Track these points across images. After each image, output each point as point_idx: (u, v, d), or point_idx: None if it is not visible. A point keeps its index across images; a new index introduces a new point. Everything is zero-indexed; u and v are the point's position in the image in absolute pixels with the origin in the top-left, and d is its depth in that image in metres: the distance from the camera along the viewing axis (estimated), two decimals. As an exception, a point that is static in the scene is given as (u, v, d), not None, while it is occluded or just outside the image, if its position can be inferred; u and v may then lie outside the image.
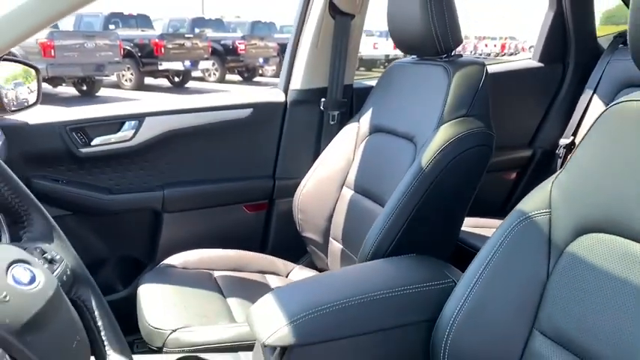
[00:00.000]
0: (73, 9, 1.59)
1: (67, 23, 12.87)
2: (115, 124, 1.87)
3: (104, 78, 11.91)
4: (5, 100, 1.83)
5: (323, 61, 1.99)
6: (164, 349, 1.37)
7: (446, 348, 1.10)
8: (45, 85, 10.84)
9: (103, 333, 0.78)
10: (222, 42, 14.46)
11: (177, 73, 13.37)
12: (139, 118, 1.88)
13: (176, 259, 1.78)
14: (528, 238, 1.06)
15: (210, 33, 14.68)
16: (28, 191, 0.84)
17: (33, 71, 2.07)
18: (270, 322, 1.13)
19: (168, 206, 1.94)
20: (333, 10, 1.93)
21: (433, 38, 1.52)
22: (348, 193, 1.79)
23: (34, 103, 1.95)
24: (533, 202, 1.08)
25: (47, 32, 10.34)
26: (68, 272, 0.81)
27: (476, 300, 1.09)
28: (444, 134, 1.44)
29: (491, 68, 2.26)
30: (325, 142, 1.95)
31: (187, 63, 12.96)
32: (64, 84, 11.61)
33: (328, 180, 1.84)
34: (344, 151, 1.84)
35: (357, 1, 1.92)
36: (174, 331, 1.38)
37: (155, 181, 1.94)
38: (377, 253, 1.41)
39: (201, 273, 1.73)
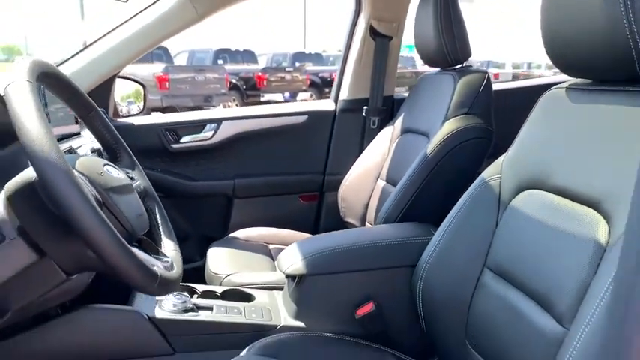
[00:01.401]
0: (172, 34, 2.11)
1: (181, 59, 14.31)
2: (199, 126, 2.37)
3: (212, 108, 13.03)
4: (119, 110, 2.41)
5: (366, 75, 2.38)
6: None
7: (420, 285, 1.41)
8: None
9: (160, 226, 1.19)
10: (320, 74, 15.25)
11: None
12: (217, 122, 2.37)
13: (241, 233, 2.21)
14: (484, 197, 1.37)
15: (309, 66, 15.54)
16: (122, 140, 1.29)
17: (142, 89, 2.65)
18: (290, 259, 1.51)
19: (237, 193, 2.40)
20: (373, 33, 2.32)
21: (444, 52, 1.85)
22: (381, 184, 2.14)
23: (139, 113, 2.52)
24: (489, 171, 1.38)
25: (163, 67, 11.60)
26: (141, 187, 1.25)
27: (444, 247, 1.40)
28: (446, 128, 1.76)
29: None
30: (367, 144, 2.32)
31: (287, 94, 13.84)
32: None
33: (366, 174, 2.20)
34: (380, 150, 2.20)
35: (394, 25, 2.31)
36: (228, 275, 1.80)
37: (228, 172, 2.40)
38: (387, 221, 1.75)
39: (259, 244, 2.15)
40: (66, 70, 2.05)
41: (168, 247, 1.12)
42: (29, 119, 0.78)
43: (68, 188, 0.76)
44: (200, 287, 1.63)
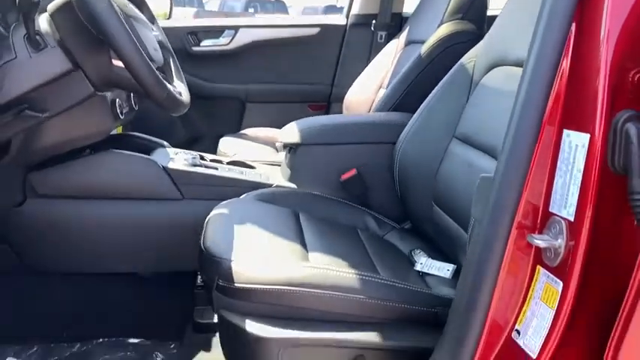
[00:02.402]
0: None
1: (212, 4, 14.37)
2: (218, 31, 2.56)
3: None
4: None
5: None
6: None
7: (398, 157, 1.61)
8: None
9: (173, 70, 1.40)
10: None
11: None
12: (235, 29, 2.55)
13: (250, 130, 2.42)
14: (459, 79, 1.54)
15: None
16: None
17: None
18: (289, 130, 1.72)
19: (250, 97, 2.60)
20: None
21: None
22: (382, 92, 2.31)
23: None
24: (467, 55, 1.55)
25: (194, 11, 11.72)
26: (159, 38, 1.44)
27: (420, 124, 1.59)
28: (440, 31, 1.92)
29: None
30: (373, 57, 2.48)
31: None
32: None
33: (369, 84, 2.37)
34: (384, 61, 2.36)
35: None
36: (234, 154, 2.02)
37: (242, 77, 2.60)
38: (383, 107, 1.92)
39: (266, 139, 2.35)
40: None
41: (179, 86, 1.33)
42: None
43: (102, 7, 0.96)
44: (209, 156, 1.85)
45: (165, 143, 1.86)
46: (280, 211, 1.48)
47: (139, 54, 1.01)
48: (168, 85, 1.10)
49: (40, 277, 1.60)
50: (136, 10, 1.22)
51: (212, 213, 1.39)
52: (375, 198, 1.69)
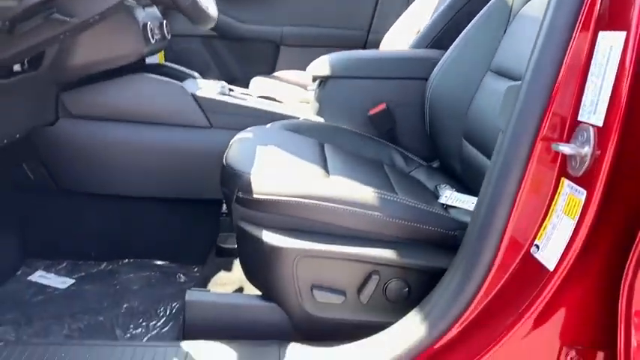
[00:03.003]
0: None
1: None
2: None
3: None
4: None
5: None
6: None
7: (429, 92, 1.57)
8: None
9: None
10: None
11: None
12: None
13: (282, 73, 2.40)
14: (497, 11, 1.48)
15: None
16: None
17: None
18: (319, 63, 1.70)
19: (284, 40, 2.58)
20: None
21: None
22: None
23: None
24: None
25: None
26: None
27: (455, 57, 1.54)
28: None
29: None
30: (412, 1, 2.40)
31: None
32: None
33: (406, 28, 2.30)
34: (425, 5, 2.29)
35: None
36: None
37: (277, 19, 2.57)
38: (419, 45, 1.87)
39: (298, 80, 2.32)
40: None
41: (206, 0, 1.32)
42: None
43: None
44: (238, 89, 1.84)
45: (196, 74, 1.86)
46: (305, 140, 1.47)
47: None
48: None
49: (71, 196, 1.64)
50: None
51: (236, 136, 1.39)
52: (403, 134, 1.65)
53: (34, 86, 1.44)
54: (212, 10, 1.28)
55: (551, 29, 0.85)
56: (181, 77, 1.79)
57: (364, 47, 2.62)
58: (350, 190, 1.12)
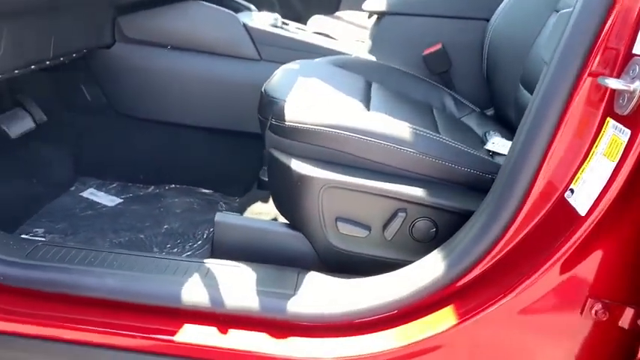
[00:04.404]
0: None
1: None
2: None
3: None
4: None
5: None
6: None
7: (489, 35, 1.47)
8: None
9: None
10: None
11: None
12: None
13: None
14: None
15: None
16: None
17: None
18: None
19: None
20: None
21: None
22: None
23: None
24: None
25: None
26: None
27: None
28: None
29: None
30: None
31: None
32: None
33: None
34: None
35: None
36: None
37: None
38: None
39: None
40: None
41: None
42: None
43: None
44: (292, 23, 1.81)
45: (252, 7, 1.84)
46: (352, 76, 1.42)
47: None
48: None
49: (125, 120, 1.69)
50: None
51: (282, 67, 1.37)
52: (457, 78, 1.57)
53: (92, 6, 1.47)
54: None
55: None
56: (237, 8, 1.77)
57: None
58: (385, 125, 1.08)
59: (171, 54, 1.61)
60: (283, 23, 1.74)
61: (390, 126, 1.08)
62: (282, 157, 1.08)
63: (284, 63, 1.53)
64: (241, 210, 1.50)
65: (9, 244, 1.02)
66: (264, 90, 1.21)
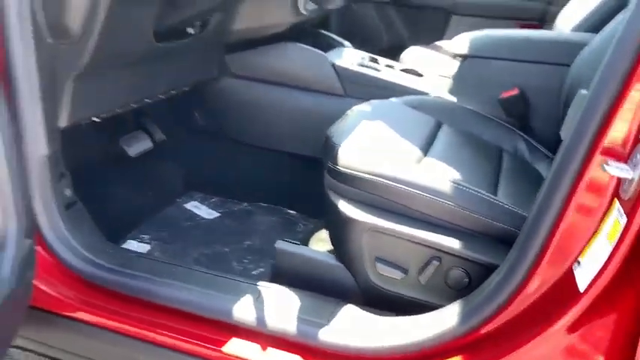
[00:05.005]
0: None
1: None
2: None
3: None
4: None
5: None
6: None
7: (569, 80, 1.46)
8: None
9: None
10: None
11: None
12: None
13: (444, 42, 2.38)
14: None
15: None
16: None
17: None
18: (459, 41, 1.69)
19: (456, 9, 2.54)
20: None
21: None
22: None
23: None
24: None
25: None
26: None
27: (600, 45, 1.40)
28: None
29: None
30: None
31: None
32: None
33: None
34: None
35: None
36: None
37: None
38: (580, 27, 1.72)
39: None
40: None
41: None
42: None
43: None
44: (382, 60, 1.92)
45: (346, 43, 1.98)
46: (421, 118, 1.50)
47: None
48: None
49: (229, 142, 1.92)
50: None
51: (354, 107, 1.49)
52: (534, 123, 1.58)
53: (202, 46, 1.71)
54: None
55: (622, 40, 0.78)
56: (332, 44, 1.93)
57: (542, 20, 2.45)
58: (430, 177, 1.15)
59: (268, 88, 1.81)
60: (373, 60, 1.85)
61: (434, 178, 1.15)
62: (334, 197, 1.21)
63: (367, 99, 1.66)
64: (314, 231, 1.65)
65: (111, 253, 1.27)
66: (328, 132, 1.34)
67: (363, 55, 1.80)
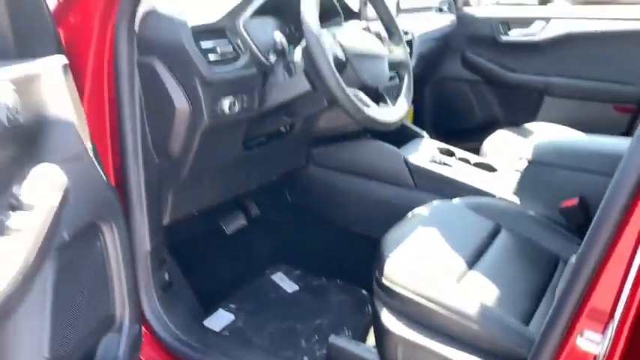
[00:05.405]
0: None
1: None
2: (528, 22, 2.57)
3: None
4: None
5: None
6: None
7: None
8: None
9: (402, 88, 1.63)
10: None
11: None
12: (547, 20, 2.51)
13: (534, 125, 2.42)
14: None
15: None
16: (395, 21, 1.70)
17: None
18: (527, 145, 1.77)
19: (549, 90, 2.56)
20: None
21: None
22: None
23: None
24: None
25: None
26: (398, 59, 1.64)
27: None
28: None
29: None
30: None
31: None
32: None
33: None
34: None
35: None
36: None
37: (545, 68, 2.56)
38: None
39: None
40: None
41: (401, 104, 1.57)
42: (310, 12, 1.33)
43: (315, 47, 1.30)
44: (459, 152, 2.03)
45: (424, 134, 2.13)
46: (480, 222, 1.59)
47: (338, 86, 1.31)
48: (366, 109, 1.37)
49: (314, 220, 2.15)
50: (367, 44, 1.49)
51: (415, 210, 1.63)
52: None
53: (292, 142, 1.96)
54: (394, 115, 1.52)
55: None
56: (410, 136, 2.09)
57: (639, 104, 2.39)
58: (465, 299, 1.25)
59: (348, 177, 2.01)
60: (448, 153, 1.98)
61: (469, 302, 1.25)
62: (378, 305, 1.37)
63: (436, 192, 1.80)
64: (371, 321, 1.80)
65: (194, 330, 1.53)
66: (383, 239, 1.49)
67: (440, 146, 1.94)
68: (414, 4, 2.44)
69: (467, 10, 2.73)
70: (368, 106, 1.41)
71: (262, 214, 2.14)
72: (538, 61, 2.59)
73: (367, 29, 1.66)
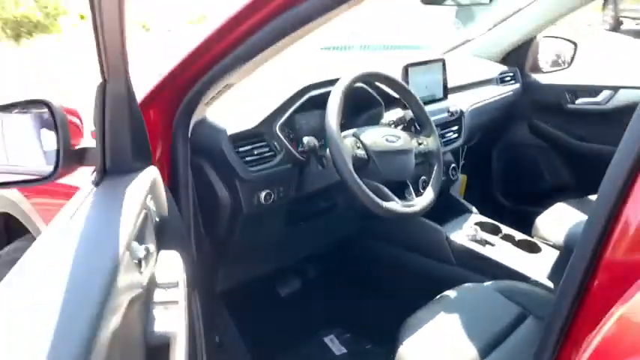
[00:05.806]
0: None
1: None
2: (596, 91, 2.53)
3: None
4: (539, 66, 2.80)
5: None
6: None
7: None
8: None
9: (431, 179, 1.73)
10: None
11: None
12: (615, 89, 2.46)
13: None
14: None
15: None
16: (427, 115, 1.81)
17: (572, 46, 2.90)
18: (561, 231, 1.78)
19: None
20: None
21: None
22: None
23: (563, 68, 2.81)
24: None
25: None
26: (428, 149, 1.74)
27: None
28: None
29: None
30: None
31: None
32: None
33: None
34: None
35: None
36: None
37: (615, 137, 2.48)
38: None
39: None
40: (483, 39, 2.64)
41: (427, 194, 1.68)
42: (332, 118, 1.50)
43: (334, 149, 1.47)
44: (507, 230, 2.07)
45: (474, 209, 2.19)
46: (507, 307, 1.63)
47: (355, 184, 1.46)
48: (384, 203, 1.50)
49: (361, 286, 2.28)
50: (388, 141, 1.61)
51: (445, 292, 1.72)
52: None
53: (338, 217, 2.12)
54: (418, 206, 1.61)
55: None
56: (459, 210, 2.17)
57: None
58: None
59: (394, 249, 2.14)
60: (493, 229, 2.04)
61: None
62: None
63: (473, 270, 1.86)
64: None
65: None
66: (406, 321, 1.60)
67: (484, 222, 2.01)
68: (469, 79, 2.50)
69: (534, 76, 2.75)
70: (387, 199, 1.54)
71: (317, 278, 2.31)
72: (607, 130, 2.53)
73: (403, 119, 1.80)
